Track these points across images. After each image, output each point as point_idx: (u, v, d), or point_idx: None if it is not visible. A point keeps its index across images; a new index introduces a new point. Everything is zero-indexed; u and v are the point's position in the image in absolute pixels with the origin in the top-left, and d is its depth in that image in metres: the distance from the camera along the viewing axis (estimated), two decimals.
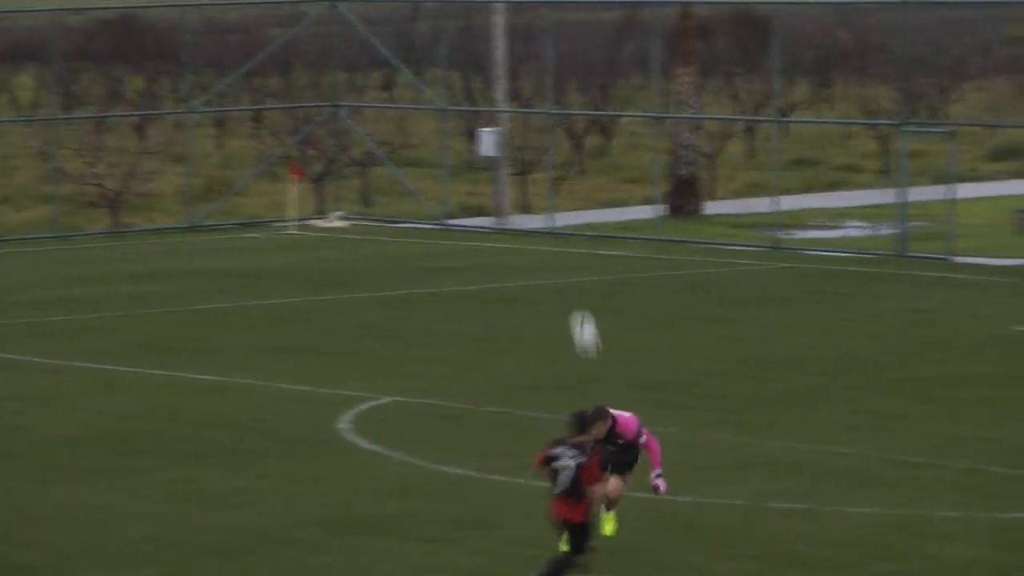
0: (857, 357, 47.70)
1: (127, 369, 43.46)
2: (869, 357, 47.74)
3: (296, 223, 76.56)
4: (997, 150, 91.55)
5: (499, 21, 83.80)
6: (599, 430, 20.24)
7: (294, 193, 77.64)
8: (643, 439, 23.26)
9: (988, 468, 32.75)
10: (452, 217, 79.47)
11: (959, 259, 63.44)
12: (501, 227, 78.98)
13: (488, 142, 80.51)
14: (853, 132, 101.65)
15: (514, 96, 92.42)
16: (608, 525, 22.01)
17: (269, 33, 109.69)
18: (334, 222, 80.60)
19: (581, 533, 19.03)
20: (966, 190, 74.09)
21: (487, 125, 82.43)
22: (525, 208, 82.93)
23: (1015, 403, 40.74)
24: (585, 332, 29.71)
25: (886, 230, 71.79)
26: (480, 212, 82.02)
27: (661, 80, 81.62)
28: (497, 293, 61.22)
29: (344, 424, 40.14)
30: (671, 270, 65.87)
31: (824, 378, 44.57)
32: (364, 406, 41.38)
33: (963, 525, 25.57)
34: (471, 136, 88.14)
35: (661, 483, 22.23)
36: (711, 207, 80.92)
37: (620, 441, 24.42)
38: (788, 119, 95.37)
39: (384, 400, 41.46)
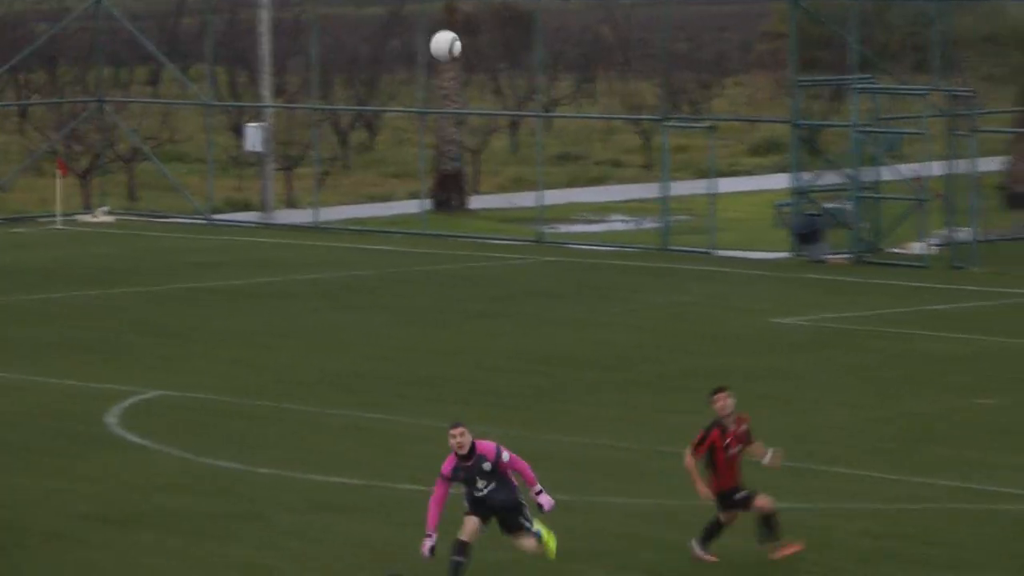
0: (623, 351, 47.66)
1: None
2: (635, 351, 47.78)
3: (62, 218, 75.82)
4: (757, 145, 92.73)
5: (265, 16, 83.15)
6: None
7: (60, 188, 76.59)
8: (505, 457, 22.81)
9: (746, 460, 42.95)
10: (218, 212, 79.20)
11: (720, 253, 63.91)
12: (267, 222, 78.78)
13: (253, 137, 79.25)
14: (616, 127, 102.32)
15: (279, 91, 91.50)
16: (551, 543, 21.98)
17: (34, 28, 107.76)
18: (100, 217, 79.59)
19: None
20: (727, 184, 76.45)
21: (253, 120, 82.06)
22: (291, 203, 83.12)
23: (775, 396, 41.27)
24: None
25: (649, 224, 71.66)
26: (246, 207, 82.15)
27: (426, 75, 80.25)
28: (264, 288, 60.60)
29: (112, 419, 39.30)
30: (438, 264, 66.45)
31: (593, 372, 44.12)
32: (132, 400, 40.91)
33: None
34: (237, 131, 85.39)
35: (546, 500, 21.69)
36: (476, 202, 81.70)
37: (485, 464, 24.61)
38: (552, 114, 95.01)
39: (152, 395, 40.71)
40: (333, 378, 42.12)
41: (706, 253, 63.99)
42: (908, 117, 70.29)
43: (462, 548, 21.66)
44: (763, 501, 22.77)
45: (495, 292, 58.08)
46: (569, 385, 44.47)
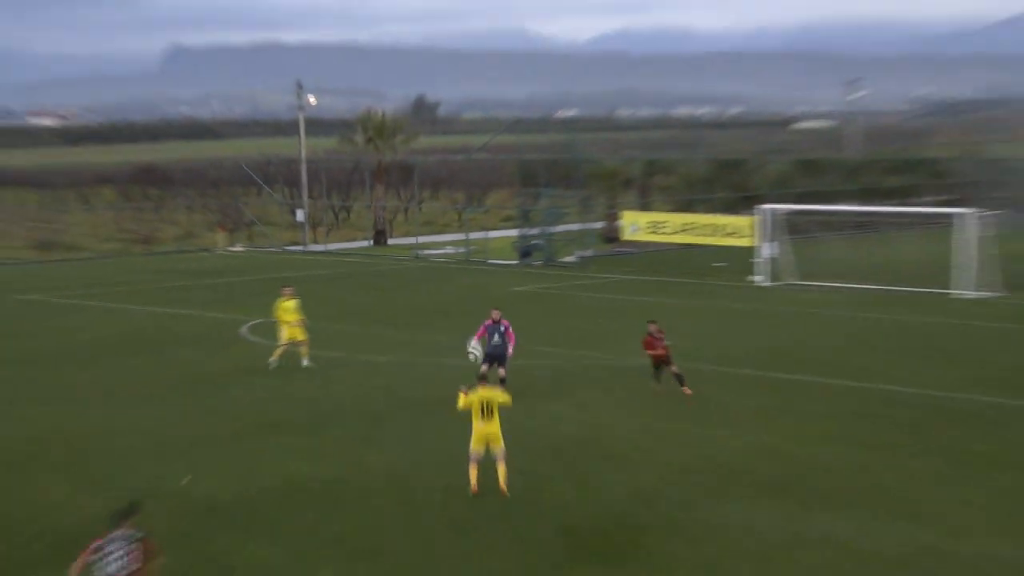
0: (447, 304, 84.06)
1: None
2: (451, 304, 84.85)
3: (221, 250, 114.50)
4: (505, 217, 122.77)
5: (304, 169, 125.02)
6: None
7: (221, 238, 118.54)
8: (509, 328, 48.65)
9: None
10: (286, 247, 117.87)
11: (490, 262, 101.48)
12: (305, 250, 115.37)
13: (300, 215, 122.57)
14: (449, 211, 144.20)
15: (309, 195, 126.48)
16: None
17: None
18: (237, 249, 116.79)
19: None
20: (494, 233, 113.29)
21: (299, 208, 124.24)
22: (314, 242, 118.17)
23: (520, 318, 75.79)
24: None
25: (461, 250, 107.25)
26: (294, 243, 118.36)
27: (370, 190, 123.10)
28: (323, 276, 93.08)
29: (243, 331, 67.74)
30: (376, 267, 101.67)
31: (442, 313, 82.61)
32: (250, 324, 68.30)
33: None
34: (292, 212, 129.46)
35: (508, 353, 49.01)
36: (392, 242, 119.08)
37: (500, 327, 48.28)
38: (419, 203, 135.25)
39: (256, 322, 67.29)
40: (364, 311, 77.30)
41: (483, 262, 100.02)
42: (566, 204, 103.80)
43: (483, 375, 44.41)
44: (675, 368, 46.03)
45: (398, 278, 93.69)
46: (436, 317, 74.42)
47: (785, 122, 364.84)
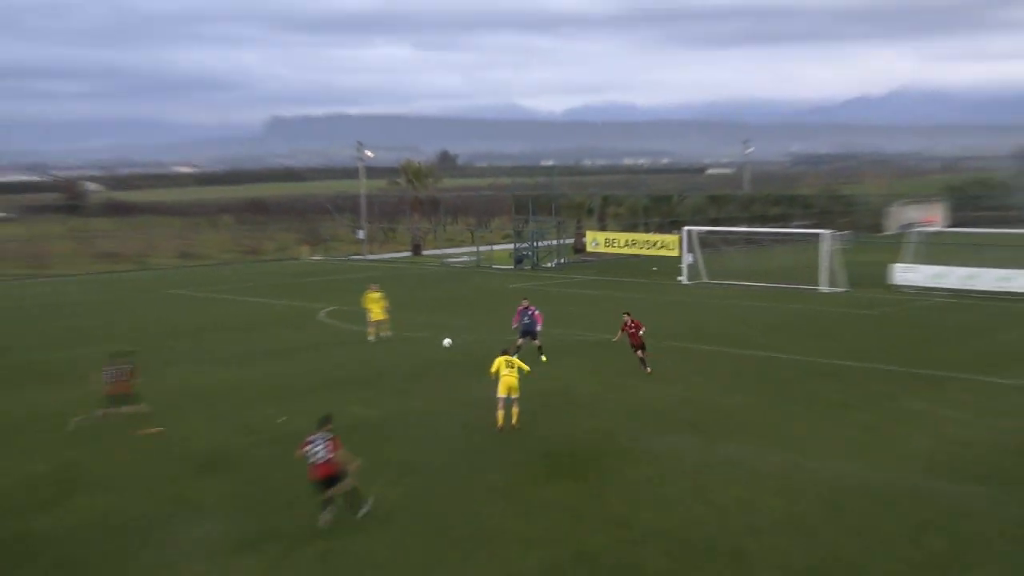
0: (470, 296, 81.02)
1: None
2: (472, 295, 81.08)
3: (306, 260, 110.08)
4: (505, 235, 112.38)
5: (363, 199, 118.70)
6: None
7: (306, 251, 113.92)
8: (537, 312, 47.81)
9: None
10: (351, 256, 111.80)
11: (494, 267, 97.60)
12: (365, 259, 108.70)
13: (361, 233, 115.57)
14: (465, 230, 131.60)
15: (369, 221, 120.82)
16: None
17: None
18: (315, 257, 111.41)
19: (334, 481, 27.00)
20: (498, 247, 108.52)
21: (360, 229, 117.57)
22: (370, 253, 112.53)
23: (516, 305, 75.37)
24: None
25: (473, 258, 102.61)
26: (357, 254, 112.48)
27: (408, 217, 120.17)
28: (377, 277, 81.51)
29: (321, 316, 66.07)
30: (419, 271, 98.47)
31: (456, 303, 76.81)
32: (326, 310, 63.39)
33: None
34: (354, 231, 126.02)
35: (537, 330, 56.21)
36: (426, 253, 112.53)
37: (530, 311, 47.26)
38: (445, 225, 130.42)
39: (330, 308, 62.96)
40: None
41: (489, 267, 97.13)
42: (547, 226, 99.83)
43: (517, 346, 44.36)
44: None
45: (429, 279, 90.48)
46: (455, 305, 78.53)
47: (699, 169, 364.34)
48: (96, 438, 36.39)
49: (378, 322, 55.28)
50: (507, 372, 36.11)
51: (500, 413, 35.90)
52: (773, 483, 29.72)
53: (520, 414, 36.05)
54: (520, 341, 47.31)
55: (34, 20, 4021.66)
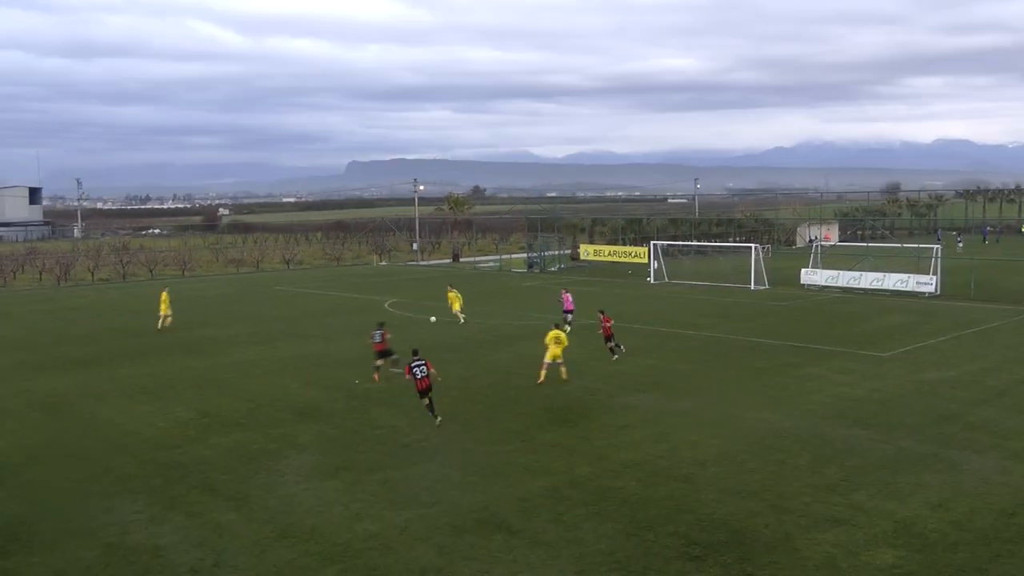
0: (496, 289, 79.82)
1: None
2: (498, 290, 77.80)
3: (379, 265, 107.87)
4: (520, 247, 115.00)
5: (417, 220, 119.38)
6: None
7: (376, 260, 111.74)
8: (570, 296, 49.23)
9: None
10: (408, 263, 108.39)
11: (513, 271, 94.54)
12: (419, 264, 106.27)
13: (416, 245, 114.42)
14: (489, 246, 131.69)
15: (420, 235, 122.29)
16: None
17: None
18: (382, 264, 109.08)
19: (430, 389, 30.53)
20: (517, 256, 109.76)
21: (415, 242, 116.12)
22: (420, 261, 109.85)
23: (531, 301, 75.51)
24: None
25: (496, 263, 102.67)
26: (412, 262, 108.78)
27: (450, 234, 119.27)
28: (443, 275, 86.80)
29: (386, 306, 69.24)
30: (460, 272, 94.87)
31: (485, 297, 76.62)
32: (390, 300, 70.16)
33: None
34: (411, 244, 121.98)
35: (569, 313, 59.65)
36: (464, 259, 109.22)
37: (563, 296, 66.81)
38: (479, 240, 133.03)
39: (391, 300, 70.40)
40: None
41: (509, 271, 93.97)
42: (551, 240, 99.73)
43: (559, 324, 41.32)
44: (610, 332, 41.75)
45: (464, 278, 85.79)
46: (483, 297, 74.23)
47: (662, 199, 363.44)
48: (224, 392, 36.69)
49: (457, 312, 55.22)
50: (554, 347, 36.11)
51: (543, 372, 36.05)
52: (712, 428, 29.74)
53: (566, 372, 36.58)
54: (565, 320, 47.82)
55: (184, 93, 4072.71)
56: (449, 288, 57.42)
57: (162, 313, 55.70)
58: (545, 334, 37.31)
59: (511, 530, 21.41)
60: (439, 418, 30.50)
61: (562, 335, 36.88)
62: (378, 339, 39.19)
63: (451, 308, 55.50)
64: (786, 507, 22.50)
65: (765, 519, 21.77)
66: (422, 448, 28.22)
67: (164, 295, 57.05)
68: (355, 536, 21.33)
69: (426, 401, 30.57)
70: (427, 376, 30.47)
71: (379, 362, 38.75)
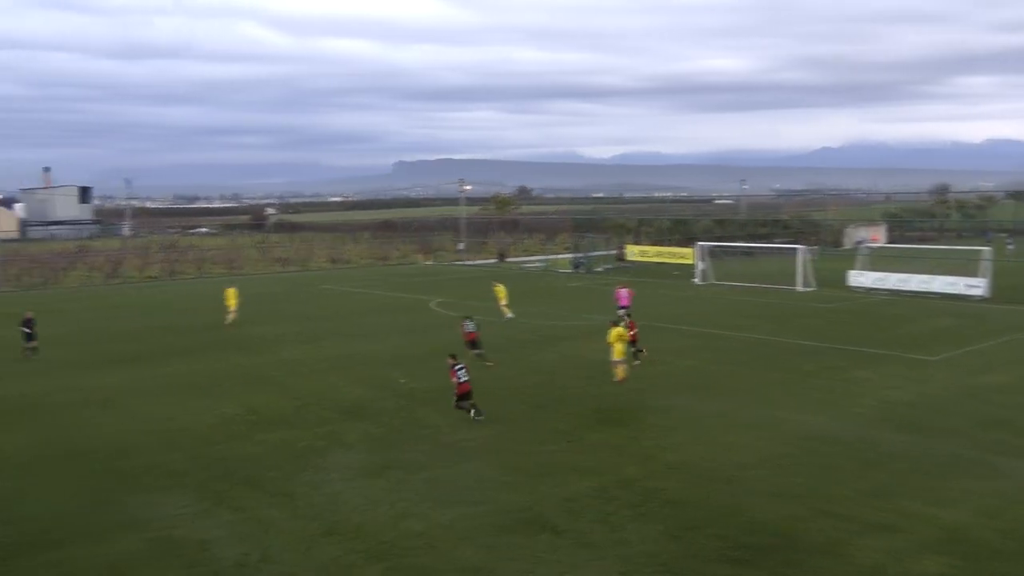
0: (540, 287, 78.44)
1: None
2: (543, 289, 79.21)
3: (425, 265, 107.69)
4: (566, 247, 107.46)
5: (464, 221, 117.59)
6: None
7: (430, 259, 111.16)
8: (624, 292, 66.20)
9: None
10: (457, 262, 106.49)
11: (558, 271, 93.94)
12: (464, 264, 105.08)
13: (460, 246, 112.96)
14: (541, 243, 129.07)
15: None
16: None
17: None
18: (429, 262, 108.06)
19: (471, 394, 31.26)
20: (561, 257, 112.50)
21: (461, 242, 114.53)
22: (463, 260, 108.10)
23: (575, 302, 75.22)
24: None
25: (541, 264, 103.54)
26: (458, 261, 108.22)
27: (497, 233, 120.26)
28: (492, 273, 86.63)
29: (432, 305, 69.25)
30: (508, 272, 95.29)
31: (541, 293, 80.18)
32: (436, 300, 70.61)
33: None
34: (456, 246, 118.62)
35: (624, 307, 56.64)
36: (510, 260, 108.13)
37: (620, 293, 68.07)
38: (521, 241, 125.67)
39: (438, 300, 69.94)
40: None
41: (555, 271, 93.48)
42: (597, 241, 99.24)
43: (619, 319, 40.84)
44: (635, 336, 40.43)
45: (510, 278, 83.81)
46: (528, 297, 74.51)
47: (708, 200, 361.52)
48: (271, 390, 36.97)
49: (503, 306, 56.17)
50: (619, 341, 36.12)
51: (618, 370, 36.08)
52: (757, 431, 29.62)
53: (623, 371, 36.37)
54: (622, 315, 47.22)
55: (232, 95, 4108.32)
56: (495, 284, 58.44)
57: (230, 308, 57.51)
58: (592, 335, 37.16)
59: (556, 530, 21.39)
60: (482, 414, 31.24)
61: (625, 332, 36.93)
62: (470, 328, 41.78)
63: (498, 303, 56.08)
64: (832, 512, 22.30)
65: (811, 523, 21.61)
66: (468, 447, 28.27)
67: (231, 291, 58.70)
68: (400, 534, 21.40)
69: (469, 402, 31.27)
70: (468, 381, 31.30)
71: (476, 352, 40.95)
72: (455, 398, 31.46)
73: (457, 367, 31.23)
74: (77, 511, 23.56)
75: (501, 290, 56.99)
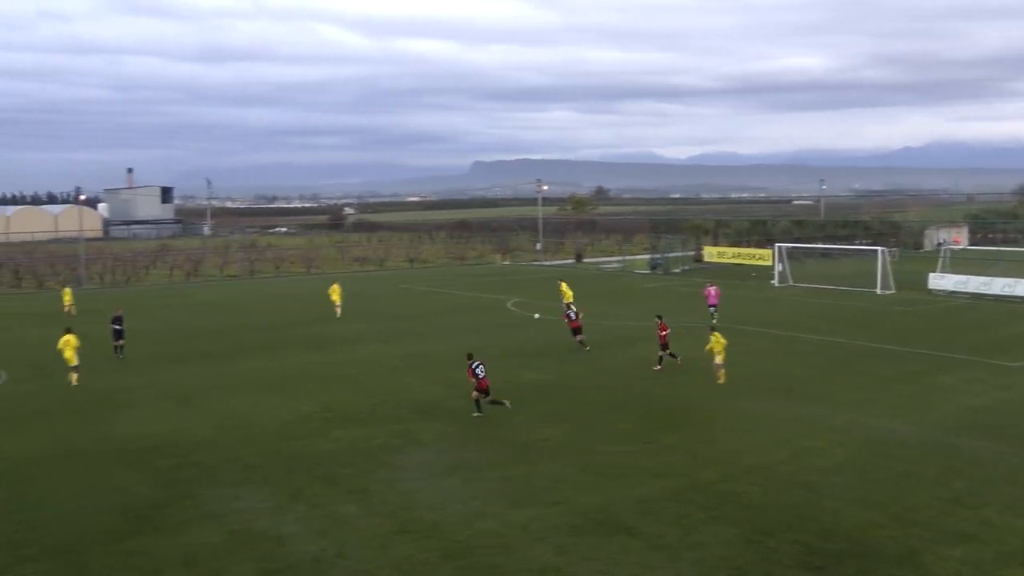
0: (618, 287, 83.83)
1: None
2: (627, 288, 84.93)
3: (502, 265, 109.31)
4: (646, 248, 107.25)
5: (541, 220, 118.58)
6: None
7: (502, 259, 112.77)
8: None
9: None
10: (535, 262, 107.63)
11: (635, 272, 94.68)
12: (542, 264, 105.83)
13: (539, 245, 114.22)
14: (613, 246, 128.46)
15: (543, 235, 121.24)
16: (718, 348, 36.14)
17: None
18: (506, 263, 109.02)
19: (489, 390, 31.98)
20: (639, 257, 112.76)
21: (538, 242, 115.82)
22: (543, 259, 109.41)
23: (646, 304, 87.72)
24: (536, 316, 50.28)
25: (621, 262, 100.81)
26: (535, 261, 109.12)
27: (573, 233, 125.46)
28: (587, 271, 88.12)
29: (509, 305, 68.10)
30: (583, 272, 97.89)
31: (618, 295, 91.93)
32: (513, 300, 69.71)
33: None
34: (534, 245, 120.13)
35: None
36: (586, 260, 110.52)
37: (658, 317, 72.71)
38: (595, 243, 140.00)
39: (515, 300, 68.31)
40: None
41: (631, 272, 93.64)
42: (674, 241, 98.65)
43: (713, 327, 48.20)
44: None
45: (586, 278, 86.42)
46: (604, 298, 75.64)
47: (787, 201, 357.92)
48: (346, 388, 37.22)
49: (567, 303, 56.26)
50: (718, 346, 36.25)
51: (721, 373, 36.32)
52: (835, 435, 29.26)
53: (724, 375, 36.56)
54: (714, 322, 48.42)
55: (313, 96, 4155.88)
56: (560, 283, 58.96)
57: (336, 303, 60.83)
58: (674, 337, 36.77)
59: (630, 532, 21.29)
60: (507, 403, 32.29)
61: (721, 338, 36.77)
62: (574, 316, 45.28)
63: (563, 301, 56.16)
64: (912, 519, 21.91)
65: (889, 531, 21.23)
66: (542, 447, 28.29)
67: (335, 288, 62.19)
68: (475, 533, 21.44)
69: (489, 398, 32.05)
70: (486, 376, 32.05)
71: (579, 337, 44.53)
72: (480, 393, 31.97)
73: (474, 365, 31.94)
74: (157, 502, 24.01)
75: (565, 288, 57.31)
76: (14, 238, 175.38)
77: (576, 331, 45.21)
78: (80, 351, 40.06)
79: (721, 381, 36.32)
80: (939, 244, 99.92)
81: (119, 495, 24.71)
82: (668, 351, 40.07)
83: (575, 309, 46.01)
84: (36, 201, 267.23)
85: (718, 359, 36.38)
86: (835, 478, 24.97)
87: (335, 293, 61.58)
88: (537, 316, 54.60)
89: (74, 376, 39.55)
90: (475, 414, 32.04)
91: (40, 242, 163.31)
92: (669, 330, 40.69)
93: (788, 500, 23.32)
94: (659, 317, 41.64)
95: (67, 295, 66.86)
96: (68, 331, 41.09)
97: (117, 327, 47.00)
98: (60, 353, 39.77)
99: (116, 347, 46.55)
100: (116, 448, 29.32)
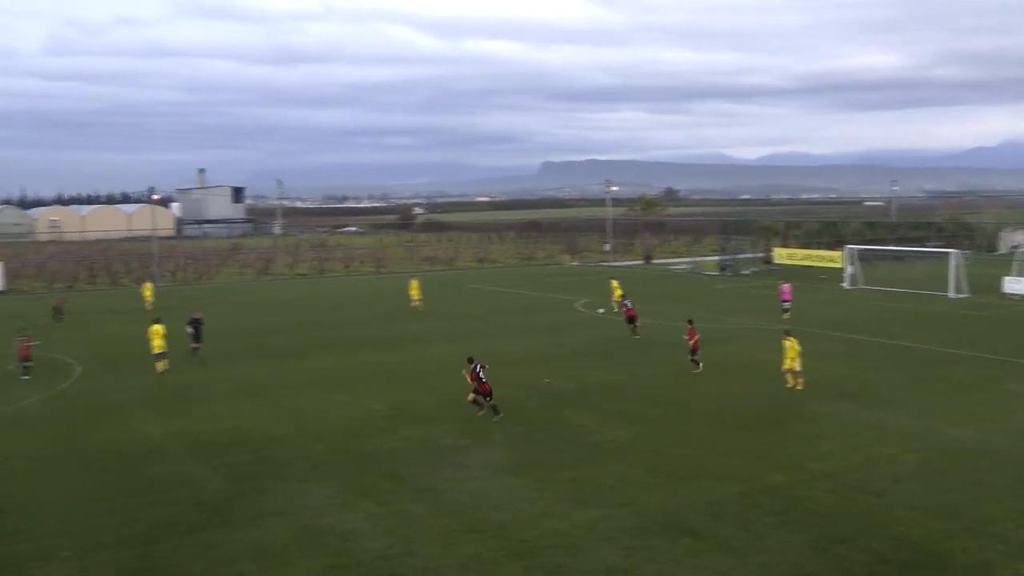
0: (682, 289, 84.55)
1: None
2: (687, 289, 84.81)
3: (567, 266, 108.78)
4: (713, 250, 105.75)
5: (610, 220, 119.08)
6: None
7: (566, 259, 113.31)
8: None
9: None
10: (603, 263, 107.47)
11: (704, 272, 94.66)
12: (611, 264, 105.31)
13: (608, 246, 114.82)
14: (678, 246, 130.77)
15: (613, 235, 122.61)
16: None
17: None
18: (575, 263, 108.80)
19: (490, 396, 31.93)
20: (709, 259, 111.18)
21: (606, 243, 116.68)
22: (612, 260, 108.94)
23: (711, 308, 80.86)
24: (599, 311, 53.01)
25: (687, 264, 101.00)
26: (603, 262, 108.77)
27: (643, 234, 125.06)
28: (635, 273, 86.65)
29: (578, 307, 64.93)
30: (651, 274, 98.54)
31: (658, 297, 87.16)
32: (581, 302, 66.15)
33: None
34: (602, 246, 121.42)
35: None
36: (655, 261, 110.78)
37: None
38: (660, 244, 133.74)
39: (583, 301, 67.26)
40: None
41: (701, 273, 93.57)
42: (744, 243, 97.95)
43: (787, 332, 51.74)
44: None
45: (654, 280, 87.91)
46: (669, 300, 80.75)
47: (858, 202, 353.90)
48: (415, 387, 37.49)
49: (617, 300, 58.41)
50: (791, 353, 36.06)
51: (790, 377, 36.03)
52: (909, 442, 28.78)
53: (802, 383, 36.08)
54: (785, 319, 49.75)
55: (383, 97, 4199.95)
56: (611, 281, 63.21)
57: (415, 298, 63.46)
58: (738, 339, 36.78)
59: (697, 535, 21.17)
60: (500, 415, 31.82)
61: (796, 344, 36.41)
62: (630, 306, 49.10)
63: (612, 297, 60.08)
64: (986, 531, 21.44)
65: (962, 542, 20.82)
66: (611, 448, 28.24)
67: (414, 283, 65.19)
68: (541, 533, 21.43)
69: (491, 401, 32.05)
70: (487, 381, 32.03)
71: (633, 325, 48.05)
72: (482, 396, 32.09)
73: (476, 368, 32.00)
74: (228, 496, 24.39)
75: (616, 285, 60.79)
76: (90, 236, 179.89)
77: (631, 319, 48.73)
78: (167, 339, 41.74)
79: (799, 387, 35.92)
80: (1014, 247, 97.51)
81: (192, 488, 25.15)
82: (694, 356, 39.70)
83: (630, 301, 50.19)
84: (111, 201, 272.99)
85: (796, 365, 35.98)
86: (907, 486, 24.58)
87: (414, 289, 63.78)
88: (601, 311, 58.14)
89: (162, 363, 41.34)
90: (480, 412, 32.20)
91: (114, 240, 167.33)
92: (699, 335, 40.21)
93: (858, 507, 22.98)
94: (690, 322, 41.34)
95: (147, 290, 68.71)
96: (157, 321, 42.77)
97: (191, 330, 46.31)
98: (142, 346, 41.11)
99: (193, 349, 46.08)
100: (189, 442, 29.86)
